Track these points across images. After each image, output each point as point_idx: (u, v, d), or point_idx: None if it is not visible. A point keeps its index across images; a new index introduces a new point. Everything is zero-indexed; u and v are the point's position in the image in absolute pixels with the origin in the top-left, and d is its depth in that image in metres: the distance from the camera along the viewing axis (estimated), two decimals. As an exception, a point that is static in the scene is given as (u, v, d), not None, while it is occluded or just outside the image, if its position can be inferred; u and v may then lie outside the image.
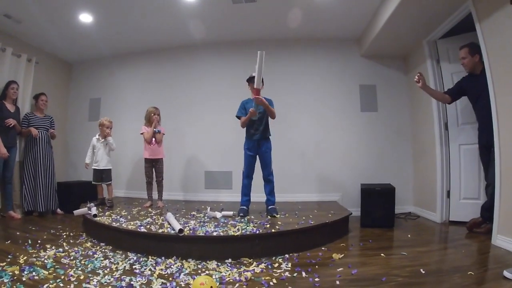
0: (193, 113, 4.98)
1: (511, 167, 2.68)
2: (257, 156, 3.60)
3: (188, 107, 5.00)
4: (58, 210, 4.50)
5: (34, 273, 2.19)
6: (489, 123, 2.91)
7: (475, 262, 2.48)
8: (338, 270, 2.38)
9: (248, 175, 3.61)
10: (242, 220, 3.27)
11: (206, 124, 4.92)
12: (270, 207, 3.55)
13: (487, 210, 3.11)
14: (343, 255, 2.74)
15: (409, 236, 3.31)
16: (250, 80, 3.50)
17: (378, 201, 3.75)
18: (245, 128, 3.61)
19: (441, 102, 3.77)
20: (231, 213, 3.51)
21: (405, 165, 4.62)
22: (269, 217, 3.42)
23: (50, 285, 2.00)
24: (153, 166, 4.22)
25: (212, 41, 4.85)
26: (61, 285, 2.03)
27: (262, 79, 3.31)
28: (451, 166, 3.84)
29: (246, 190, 3.62)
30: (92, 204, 3.67)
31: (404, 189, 4.51)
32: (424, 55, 4.05)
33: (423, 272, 2.28)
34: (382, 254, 2.74)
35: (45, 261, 2.47)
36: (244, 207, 3.56)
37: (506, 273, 2.10)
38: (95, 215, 3.37)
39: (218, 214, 3.42)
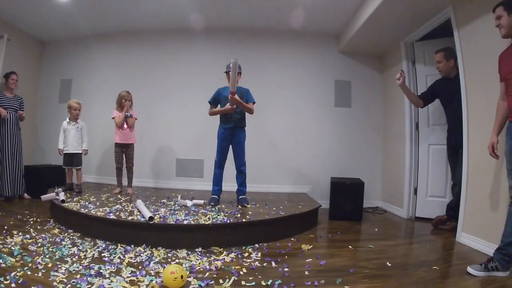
0: (167, 99, 4.89)
1: (478, 168, 2.80)
2: (230, 146, 3.59)
3: (163, 93, 4.90)
4: (25, 194, 4.33)
5: (0, 261, 2.12)
6: (459, 126, 3.02)
7: (440, 257, 2.58)
8: (307, 260, 2.43)
9: (220, 165, 3.60)
10: (213, 209, 3.27)
11: (179, 111, 4.85)
12: (241, 197, 3.57)
13: (452, 208, 3.24)
14: (312, 246, 2.79)
15: (376, 230, 3.42)
16: (228, 71, 3.48)
17: (347, 194, 3.84)
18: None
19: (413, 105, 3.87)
20: (202, 201, 3.50)
21: (375, 161, 4.75)
22: (239, 207, 3.43)
23: (18, 273, 1.94)
24: (124, 152, 4.13)
25: (188, 28, 4.75)
26: (29, 273, 1.97)
27: (239, 72, 3.36)
28: (420, 164, 3.97)
29: (217, 179, 3.61)
30: (60, 189, 3.57)
31: (373, 184, 4.64)
32: (400, 55, 4.14)
33: (389, 265, 2.36)
34: (350, 246, 2.81)
35: (12, 248, 2.39)
36: (215, 196, 3.56)
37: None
38: (63, 201, 3.27)
39: (189, 203, 3.40)
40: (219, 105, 3.59)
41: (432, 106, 3.83)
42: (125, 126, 4.03)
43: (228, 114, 3.49)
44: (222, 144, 3.57)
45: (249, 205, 3.48)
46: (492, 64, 2.31)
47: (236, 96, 3.31)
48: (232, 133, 3.52)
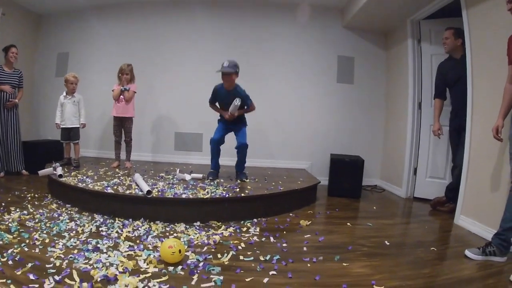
0: (167, 72, 4.79)
1: (480, 152, 2.76)
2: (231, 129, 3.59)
3: (162, 66, 4.79)
4: (24, 171, 4.27)
5: (-2, 238, 2.11)
6: (463, 108, 2.97)
7: (438, 238, 2.60)
8: (305, 236, 2.44)
9: (218, 142, 3.54)
10: (212, 183, 3.26)
11: (179, 84, 4.76)
12: (239, 171, 3.57)
13: (452, 190, 3.23)
14: (310, 222, 2.81)
15: (374, 208, 3.43)
16: (222, 74, 3.38)
17: (346, 171, 3.84)
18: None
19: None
20: (200, 175, 3.49)
21: (375, 139, 4.71)
22: (238, 181, 3.43)
23: (15, 250, 1.94)
24: (122, 125, 4.08)
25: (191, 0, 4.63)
26: (26, 249, 1.97)
27: (237, 72, 3.37)
28: (421, 144, 3.93)
29: (215, 154, 3.58)
30: (57, 164, 3.54)
31: (373, 162, 4.62)
32: (406, 33, 4.03)
33: (388, 243, 2.37)
34: (348, 224, 2.83)
35: (9, 224, 2.37)
36: (214, 170, 3.56)
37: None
38: (60, 176, 3.24)
39: (188, 177, 3.39)
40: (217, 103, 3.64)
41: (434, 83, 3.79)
42: (122, 99, 3.96)
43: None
44: (221, 126, 3.58)
45: (248, 180, 3.48)
46: (500, 47, 2.25)
47: (232, 116, 3.42)
48: (233, 125, 3.56)
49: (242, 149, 3.51)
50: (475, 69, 2.85)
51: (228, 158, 3.78)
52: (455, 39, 3.16)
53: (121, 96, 3.95)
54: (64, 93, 4.02)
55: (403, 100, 4.12)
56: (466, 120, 2.92)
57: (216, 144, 3.54)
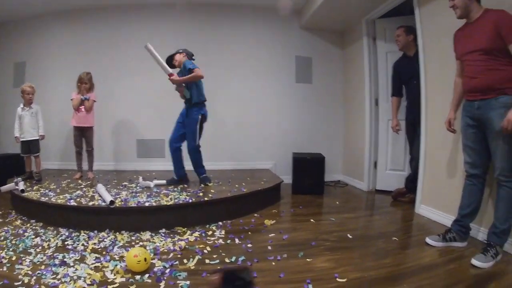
0: (126, 79, 4.73)
1: (435, 143, 2.93)
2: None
3: (121, 72, 4.72)
4: None
5: (-37, 259, 2.05)
6: (417, 102, 3.13)
7: (399, 228, 2.71)
8: (270, 235, 2.51)
9: (170, 143, 3.55)
10: (175, 189, 3.27)
11: (138, 90, 4.71)
12: (202, 176, 3.54)
13: (411, 181, 3.38)
14: (274, 221, 2.87)
15: (337, 203, 3.54)
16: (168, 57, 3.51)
17: (309, 169, 3.94)
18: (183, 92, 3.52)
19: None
20: (164, 181, 3.49)
21: (336, 136, 4.86)
22: (202, 185, 3.44)
23: None
24: (82, 135, 4.02)
25: (147, 3, 4.59)
26: (-7, 268, 1.93)
27: (179, 51, 3.46)
28: (379, 139, 4.10)
29: (173, 158, 3.57)
30: (19, 178, 3.44)
31: (334, 158, 4.76)
32: (361, 32, 4.18)
33: (350, 237, 2.47)
34: (311, 220, 2.92)
35: (-25, 245, 2.31)
36: (174, 177, 3.57)
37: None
38: (22, 191, 3.15)
39: (151, 184, 3.37)
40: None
41: (390, 82, 3.96)
42: (82, 108, 3.90)
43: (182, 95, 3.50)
44: (177, 121, 3.55)
45: (211, 184, 3.49)
46: (450, 43, 2.37)
47: (175, 76, 3.34)
48: (187, 113, 3.49)
49: (189, 153, 3.47)
50: (428, 65, 3.01)
51: (187, 163, 3.75)
52: (407, 35, 3.32)
53: (81, 106, 3.88)
54: (22, 105, 3.89)
55: (360, 97, 4.28)
56: (421, 114, 3.08)
57: (170, 146, 3.54)
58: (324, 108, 4.83)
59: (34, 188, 3.38)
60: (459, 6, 2.16)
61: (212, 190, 3.20)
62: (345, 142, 4.85)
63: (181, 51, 3.50)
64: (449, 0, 2.21)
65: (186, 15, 4.62)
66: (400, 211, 3.25)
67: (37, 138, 3.95)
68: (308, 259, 2.06)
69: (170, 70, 3.37)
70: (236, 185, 3.42)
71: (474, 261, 1.98)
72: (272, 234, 2.53)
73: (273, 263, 2.02)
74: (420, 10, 3.07)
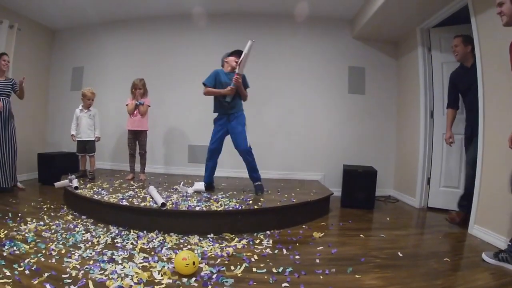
0: (179, 86, 4.88)
1: (493, 160, 2.72)
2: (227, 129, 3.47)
3: (174, 79, 4.89)
4: (18, 184, 4.15)
5: (15, 248, 2.15)
6: (475, 116, 2.95)
7: (451, 249, 2.55)
8: (318, 248, 2.43)
9: (211, 156, 3.52)
10: (225, 195, 3.28)
11: (190, 97, 4.80)
12: (255, 183, 3.48)
13: (466, 200, 3.17)
14: (323, 234, 2.79)
15: (388, 219, 3.39)
16: (232, 53, 3.45)
17: (359, 182, 3.81)
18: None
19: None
20: (202, 187, 3.45)
21: (388, 149, 4.68)
22: (251, 194, 3.42)
23: (32, 260, 1.98)
24: (136, 138, 4.16)
25: (199, 13, 4.68)
26: (43, 259, 2.01)
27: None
28: (434, 153, 3.90)
29: (208, 166, 3.56)
30: (73, 176, 3.62)
31: (386, 172, 4.58)
32: (416, 42, 4.03)
33: (401, 255, 2.34)
34: (361, 235, 2.80)
35: (26, 235, 2.43)
36: (203, 182, 3.53)
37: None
38: (76, 188, 3.31)
39: (190, 189, 3.39)
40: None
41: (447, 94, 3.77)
42: (136, 113, 4.05)
43: (223, 104, 3.42)
44: (217, 128, 3.49)
45: (262, 193, 3.43)
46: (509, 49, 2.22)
47: (240, 80, 3.31)
48: (228, 119, 3.45)
49: (243, 155, 3.40)
50: (486, 76, 2.83)
51: (240, 170, 3.77)
52: (465, 46, 3.14)
53: (135, 111, 4.03)
54: (80, 107, 4.12)
55: (414, 109, 4.11)
56: (478, 128, 2.89)
57: (210, 154, 3.50)
58: (376, 119, 4.68)
59: (87, 186, 3.53)
60: (506, 14, 2.07)
61: (261, 199, 3.19)
62: (397, 155, 4.66)
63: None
64: (496, 7, 2.10)
65: (235, 25, 4.70)
66: (452, 231, 3.05)
67: (93, 139, 4.15)
68: (357, 275, 1.98)
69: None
70: (286, 195, 3.38)
71: None
72: (321, 247, 2.46)
73: (321, 277, 1.95)
74: (477, 18, 2.89)
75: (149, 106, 4.15)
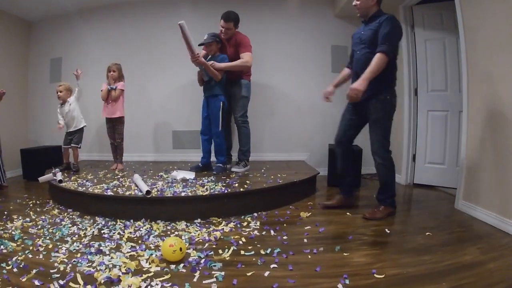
0: (159, 72, 4.79)
1: (479, 134, 2.74)
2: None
3: (154, 65, 4.79)
4: (4, 183, 3.98)
5: (2, 247, 2.13)
6: (357, 74, 2.66)
7: (438, 224, 2.58)
8: (305, 228, 2.45)
9: (203, 132, 3.71)
10: (211, 179, 3.26)
11: (172, 82, 4.76)
12: (217, 164, 3.67)
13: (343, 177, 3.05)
14: (310, 213, 2.81)
15: (374, 196, 3.38)
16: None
17: (345, 161, 3.81)
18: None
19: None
20: (192, 175, 3.42)
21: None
22: (235, 175, 3.49)
23: (19, 257, 1.97)
24: (113, 127, 4.08)
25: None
26: (30, 256, 2.00)
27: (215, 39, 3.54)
28: (418, 131, 3.93)
29: (202, 146, 3.75)
30: (57, 169, 3.56)
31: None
32: (399, 19, 3.99)
33: (388, 231, 2.37)
34: (348, 213, 2.83)
35: (13, 232, 2.40)
36: (199, 164, 3.68)
37: None
38: (60, 181, 3.26)
39: (179, 175, 3.36)
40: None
41: (432, 71, 3.80)
42: (110, 99, 3.96)
43: (204, 82, 3.59)
44: (202, 115, 3.66)
45: (220, 173, 3.53)
46: (493, 28, 2.22)
47: (201, 58, 3.33)
48: (207, 103, 3.61)
49: (214, 138, 3.68)
50: (469, 51, 2.83)
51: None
52: None
53: (109, 96, 3.95)
54: (59, 104, 4.03)
55: (399, 87, 4.02)
56: (463, 101, 2.89)
57: (202, 134, 3.72)
58: (360, 98, 4.66)
59: (72, 178, 3.48)
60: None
61: (247, 181, 3.18)
62: (382, 134, 4.66)
63: (212, 40, 3.60)
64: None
65: (218, 7, 4.59)
66: (439, 207, 3.09)
67: (81, 126, 4.07)
68: (345, 253, 2.00)
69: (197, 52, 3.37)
70: (272, 176, 3.38)
71: None
72: (308, 227, 2.47)
73: (309, 256, 1.97)
74: None
75: (123, 91, 4.03)
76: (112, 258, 1.93)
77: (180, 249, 1.88)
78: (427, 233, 2.31)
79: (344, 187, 3.01)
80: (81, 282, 1.65)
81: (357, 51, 2.79)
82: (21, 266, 1.85)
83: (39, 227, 2.53)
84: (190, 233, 2.34)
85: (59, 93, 3.99)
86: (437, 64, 3.78)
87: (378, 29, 2.56)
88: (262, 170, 3.74)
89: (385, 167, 2.75)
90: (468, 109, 2.88)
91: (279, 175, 3.44)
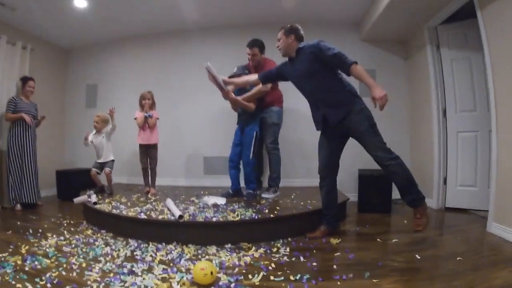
0: (191, 98, 4.94)
1: (507, 157, 2.68)
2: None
3: (186, 92, 4.95)
4: (39, 202, 4.25)
5: (36, 263, 2.21)
6: (317, 103, 2.87)
7: (470, 249, 2.50)
8: (335, 254, 2.43)
9: (231, 159, 3.71)
10: (241, 205, 3.29)
11: (203, 109, 4.88)
12: (248, 190, 3.65)
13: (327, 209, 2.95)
14: (340, 240, 2.77)
15: (405, 222, 3.34)
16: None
17: (375, 186, 3.77)
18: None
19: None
20: (223, 201, 3.44)
21: (402, 151, 4.50)
22: (264, 201, 3.48)
23: (53, 274, 2.03)
24: (147, 152, 4.18)
25: (207, 25, 4.81)
26: (64, 273, 2.05)
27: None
28: (448, 152, 3.85)
29: (231, 178, 3.74)
30: (91, 191, 3.68)
31: (402, 175, 4.51)
32: (424, 40, 4.00)
33: (419, 257, 2.31)
34: (378, 239, 2.78)
35: (47, 250, 2.48)
36: (229, 190, 3.70)
37: None
38: (95, 203, 3.37)
39: (210, 201, 3.39)
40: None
41: (459, 90, 3.75)
42: (146, 126, 4.08)
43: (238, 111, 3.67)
44: (234, 142, 3.70)
45: (250, 200, 3.52)
46: None
47: (230, 95, 3.35)
48: (241, 131, 3.68)
49: (243, 167, 3.67)
50: (495, 67, 2.80)
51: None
52: (286, 37, 2.80)
53: (146, 124, 4.08)
54: (94, 131, 4.22)
55: (427, 108, 4.07)
56: (492, 121, 2.83)
57: (230, 161, 3.70)
58: (389, 121, 4.57)
59: (106, 201, 3.59)
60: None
61: (277, 207, 3.19)
62: (411, 157, 4.58)
63: (241, 72, 3.59)
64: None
65: (242, 34, 4.73)
66: (471, 230, 3.00)
67: (112, 159, 4.23)
68: (374, 280, 1.96)
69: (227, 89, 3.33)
70: (301, 202, 3.38)
71: None
72: (338, 253, 2.45)
73: (339, 283, 1.94)
74: (482, 12, 2.88)
75: (158, 119, 4.16)
76: (144, 279, 1.97)
77: (211, 272, 1.91)
78: (458, 258, 2.25)
79: (328, 218, 2.91)
80: (115, 302, 1.70)
81: (305, 85, 2.88)
82: (54, 282, 1.91)
83: (73, 246, 2.60)
84: (221, 257, 2.36)
85: (95, 124, 4.18)
86: (464, 84, 3.73)
87: (314, 57, 2.75)
88: (292, 196, 3.73)
89: (399, 165, 2.83)
90: (497, 128, 2.81)
91: (308, 201, 3.42)
